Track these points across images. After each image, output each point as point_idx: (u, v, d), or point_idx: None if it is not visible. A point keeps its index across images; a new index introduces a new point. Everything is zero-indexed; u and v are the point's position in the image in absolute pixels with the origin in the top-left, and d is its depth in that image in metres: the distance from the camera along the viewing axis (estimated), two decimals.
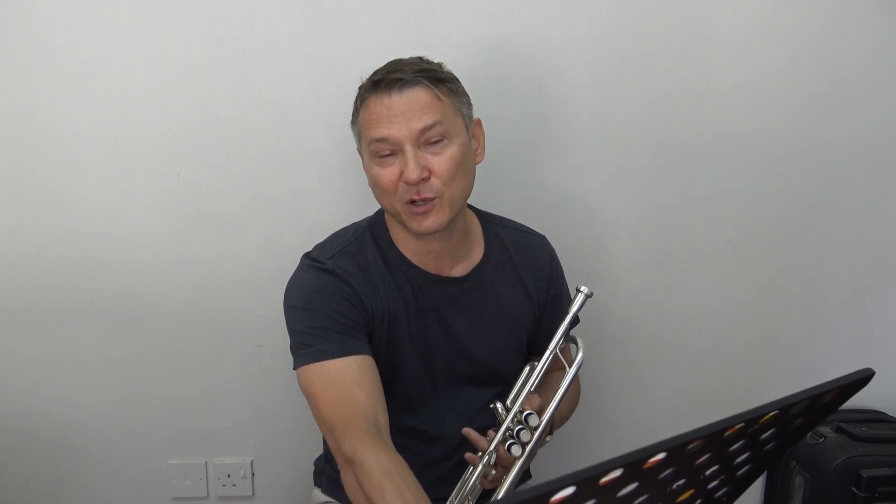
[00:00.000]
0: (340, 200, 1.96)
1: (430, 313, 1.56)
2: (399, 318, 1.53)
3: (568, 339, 1.47)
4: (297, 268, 1.55)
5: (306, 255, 1.56)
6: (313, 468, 1.81)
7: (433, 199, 1.41)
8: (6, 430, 2.07)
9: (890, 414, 2.18)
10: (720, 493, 1.06)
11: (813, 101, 2.04)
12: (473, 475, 1.41)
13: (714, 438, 0.77)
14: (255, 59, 1.91)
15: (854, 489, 1.94)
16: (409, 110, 1.38)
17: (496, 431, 1.42)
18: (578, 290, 1.43)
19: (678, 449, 0.70)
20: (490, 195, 1.83)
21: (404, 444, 1.57)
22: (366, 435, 1.31)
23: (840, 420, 2.08)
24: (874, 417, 2.14)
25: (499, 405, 1.44)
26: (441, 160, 1.41)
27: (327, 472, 1.73)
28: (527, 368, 1.50)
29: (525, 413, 1.40)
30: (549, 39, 1.94)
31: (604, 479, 0.66)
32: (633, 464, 0.66)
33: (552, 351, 1.44)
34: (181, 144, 1.94)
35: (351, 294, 1.48)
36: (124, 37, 1.87)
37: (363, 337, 1.47)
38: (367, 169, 1.48)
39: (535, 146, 2.01)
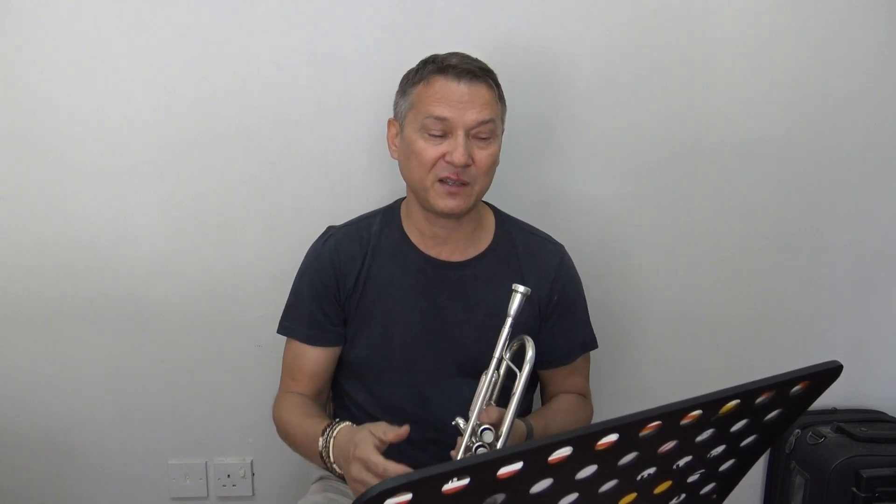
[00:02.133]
0: (340, 199, 1.97)
1: (423, 294, 1.62)
2: (382, 290, 1.62)
3: (518, 340, 1.43)
4: None
5: None
6: None
7: (467, 184, 1.51)
8: (6, 431, 2.08)
9: (890, 414, 2.16)
10: (706, 489, 1.06)
11: (814, 101, 2.03)
12: None
13: (671, 422, 0.77)
14: (255, 60, 1.92)
15: (854, 489, 1.93)
16: (472, 101, 1.48)
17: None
18: (515, 291, 1.38)
19: (629, 429, 0.70)
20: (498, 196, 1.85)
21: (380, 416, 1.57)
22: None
23: (840, 420, 2.07)
24: (874, 417, 2.13)
25: (460, 420, 1.39)
26: (484, 154, 1.51)
27: None
28: (482, 378, 1.42)
29: (481, 428, 1.35)
30: (555, 40, 1.95)
31: (553, 458, 0.66)
32: (580, 440, 0.66)
33: (498, 357, 1.39)
34: (181, 144, 1.95)
35: (328, 282, 1.63)
36: (124, 37, 1.89)
37: (330, 323, 1.64)
38: (405, 139, 1.55)
39: (540, 147, 2.01)
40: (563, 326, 1.68)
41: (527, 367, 1.36)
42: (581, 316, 1.74)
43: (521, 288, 1.38)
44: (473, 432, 1.35)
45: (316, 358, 1.65)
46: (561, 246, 1.73)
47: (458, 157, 1.47)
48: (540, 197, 2.03)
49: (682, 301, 2.14)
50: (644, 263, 2.11)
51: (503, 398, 1.41)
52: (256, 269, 2.00)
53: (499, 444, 1.34)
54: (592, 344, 1.76)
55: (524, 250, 1.68)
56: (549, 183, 2.03)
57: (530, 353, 1.36)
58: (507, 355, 1.41)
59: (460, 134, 1.48)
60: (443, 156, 1.49)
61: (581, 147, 2.02)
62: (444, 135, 1.49)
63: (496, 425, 1.35)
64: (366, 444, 1.32)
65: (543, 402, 1.78)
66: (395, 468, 1.28)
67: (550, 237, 1.74)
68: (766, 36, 1.99)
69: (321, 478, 1.77)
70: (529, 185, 2.02)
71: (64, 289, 2.01)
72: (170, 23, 1.89)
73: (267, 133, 1.96)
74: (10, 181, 1.94)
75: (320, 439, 1.45)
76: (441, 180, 1.50)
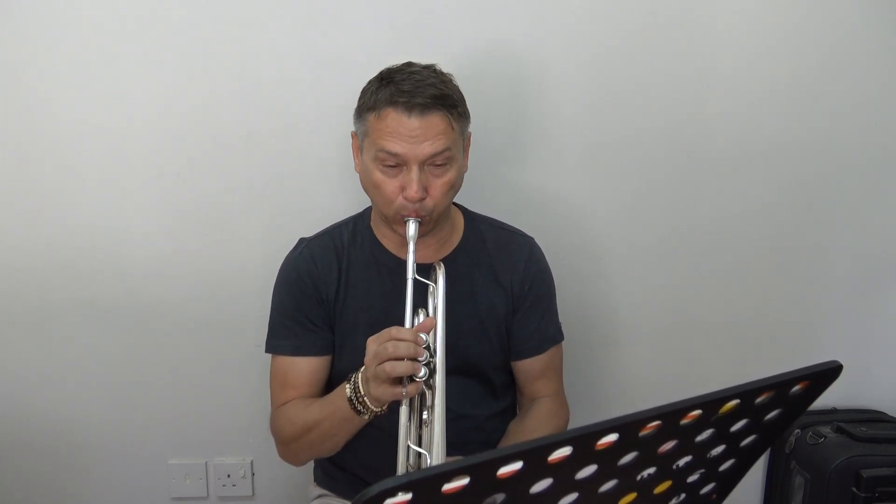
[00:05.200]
0: (340, 200, 1.96)
1: (401, 297, 1.58)
2: (363, 298, 1.63)
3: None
4: None
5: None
6: (312, 463, 1.84)
7: (424, 216, 1.50)
8: (6, 431, 2.09)
9: (890, 414, 2.16)
10: (706, 489, 1.06)
11: (812, 99, 2.03)
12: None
13: (671, 422, 0.76)
14: (255, 59, 1.92)
15: (854, 489, 1.93)
16: (423, 134, 1.45)
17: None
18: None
19: (629, 429, 0.70)
20: (482, 196, 1.86)
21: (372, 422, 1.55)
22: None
23: (840, 420, 2.07)
24: (874, 417, 2.13)
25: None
26: (440, 183, 1.50)
27: (322, 465, 1.79)
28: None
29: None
30: (545, 40, 1.95)
31: (553, 458, 0.66)
32: (580, 440, 0.66)
33: (411, 278, 1.43)
34: (181, 144, 1.96)
35: (309, 291, 1.63)
36: (124, 36, 1.89)
37: (317, 330, 1.64)
38: (364, 163, 1.54)
39: (528, 147, 2.02)
40: (534, 316, 1.70)
41: (440, 288, 1.46)
42: (551, 307, 1.76)
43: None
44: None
45: (309, 368, 1.64)
46: (531, 238, 1.75)
47: (412, 193, 1.46)
48: (535, 201, 2.04)
49: (682, 302, 2.14)
50: (644, 264, 2.11)
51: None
52: (256, 269, 2.00)
53: (437, 353, 1.37)
54: (560, 336, 1.76)
55: (494, 244, 1.70)
56: (543, 185, 2.04)
57: (441, 280, 1.47)
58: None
59: (414, 168, 1.46)
60: (400, 190, 1.48)
61: (579, 150, 2.03)
62: (399, 166, 1.48)
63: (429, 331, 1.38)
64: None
65: (520, 408, 1.80)
66: (402, 328, 1.37)
67: (520, 230, 1.76)
68: (765, 39, 1.99)
69: (319, 496, 1.78)
70: (524, 189, 2.04)
71: (64, 289, 2.01)
72: (169, 24, 1.89)
73: (267, 133, 1.96)
74: (10, 182, 1.95)
75: (347, 385, 1.45)
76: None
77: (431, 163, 1.48)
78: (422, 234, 1.53)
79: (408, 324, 1.40)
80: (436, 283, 1.46)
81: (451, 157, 1.51)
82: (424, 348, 1.33)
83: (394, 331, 1.35)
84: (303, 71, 1.93)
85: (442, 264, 1.47)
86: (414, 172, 1.46)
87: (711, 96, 2.01)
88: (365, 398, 1.42)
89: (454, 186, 1.54)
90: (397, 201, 1.49)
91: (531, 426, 1.69)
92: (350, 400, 1.43)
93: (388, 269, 1.64)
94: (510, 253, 1.70)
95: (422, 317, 1.44)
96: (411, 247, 1.45)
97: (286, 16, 1.90)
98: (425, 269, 1.62)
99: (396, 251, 1.65)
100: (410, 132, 1.45)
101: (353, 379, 1.44)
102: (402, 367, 1.32)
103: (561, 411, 1.76)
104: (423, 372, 1.33)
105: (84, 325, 2.04)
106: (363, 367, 1.42)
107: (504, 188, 2.01)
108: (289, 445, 1.63)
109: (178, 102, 1.93)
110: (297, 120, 1.95)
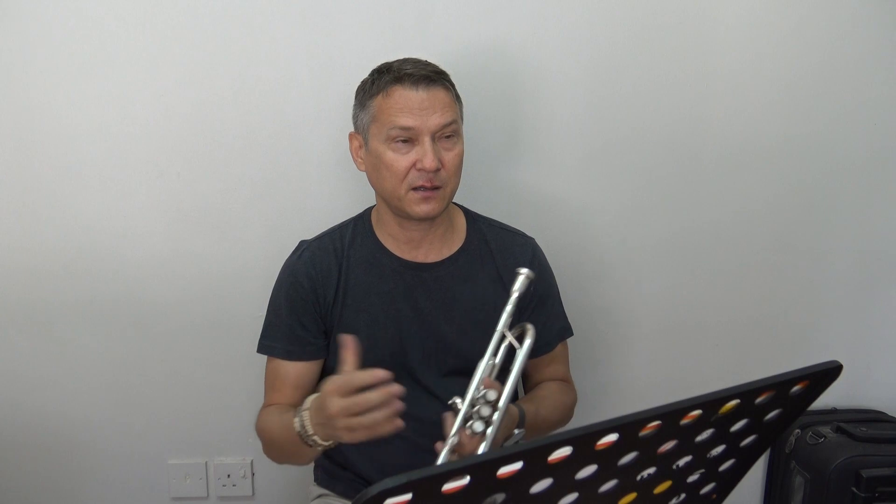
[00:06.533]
0: (340, 200, 1.96)
1: (403, 297, 1.63)
2: (363, 299, 1.63)
3: (520, 326, 1.43)
4: None
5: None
6: (313, 463, 1.83)
7: (440, 187, 1.53)
8: (6, 430, 2.09)
9: (890, 414, 2.16)
10: (706, 489, 1.06)
11: (812, 99, 2.03)
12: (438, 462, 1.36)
13: (671, 422, 0.76)
14: (255, 59, 1.93)
15: (854, 489, 1.93)
16: (432, 106, 1.51)
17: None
18: (518, 273, 1.40)
19: (629, 429, 0.70)
20: (482, 197, 1.87)
21: None
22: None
23: (840, 420, 2.07)
24: (874, 417, 2.12)
25: (457, 399, 1.38)
26: (451, 155, 1.54)
27: (323, 465, 1.79)
28: (485, 357, 1.42)
29: (482, 391, 1.34)
30: (545, 41, 1.95)
31: (553, 458, 0.66)
32: (580, 440, 0.66)
33: (499, 334, 1.39)
34: (181, 144, 1.96)
35: (307, 296, 1.63)
36: (124, 36, 1.89)
37: (310, 336, 1.64)
38: (372, 151, 1.56)
39: (528, 148, 2.02)
40: (540, 316, 1.69)
41: (525, 347, 1.37)
42: (556, 305, 1.76)
43: (524, 270, 1.39)
44: (473, 404, 1.34)
45: (297, 372, 1.65)
46: (532, 238, 1.76)
47: (429, 162, 1.49)
48: (535, 202, 2.04)
49: (682, 302, 2.14)
50: (644, 265, 2.11)
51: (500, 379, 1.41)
52: (256, 269, 2.00)
53: (495, 417, 1.32)
54: (568, 332, 1.78)
55: (497, 245, 1.71)
56: (546, 188, 2.04)
57: (529, 340, 1.37)
58: (511, 333, 1.40)
59: (426, 140, 1.50)
60: (413, 164, 1.51)
61: (579, 151, 2.03)
62: (410, 141, 1.51)
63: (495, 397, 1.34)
64: (331, 380, 1.32)
65: (526, 392, 1.79)
66: (363, 375, 1.29)
67: (521, 231, 1.77)
68: (766, 39, 1.99)
69: (320, 496, 1.78)
70: (524, 189, 2.04)
71: (64, 290, 2.01)
72: (170, 24, 1.89)
73: (267, 134, 1.96)
74: (10, 182, 1.95)
75: (295, 419, 1.42)
76: (414, 188, 1.53)
77: (441, 135, 1.52)
78: (434, 217, 1.57)
79: (477, 378, 1.36)
80: (522, 342, 1.38)
81: (458, 132, 1.56)
82: (487, 403, 1.32)
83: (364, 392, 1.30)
84: (303, 71, 1.93)
85: (532, 327, 1.39)
86: (427, 143, 1.50)
87: (712, 97, 2.01)
88: (315, 437, 1.40)
89: (462, 161, 1.57)
90: (410, 175, 1.52)
91: (541, 393, 1.71)
92: (299, 434, 1.42)
93: (390, 269, 1.64)
94: (514, 254, 1.70)
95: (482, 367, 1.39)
96: (514, 295, 1.39)
97: (286, 16, 1.90)
98: (427, 268, 1.64)
99: (398, 251, 1.65)
100: (420, 104, 1.50)
101: (298, 410, 1.42)
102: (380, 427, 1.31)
103: (569, 391, 1.77)
104: (479, 426, 1.31)
105: (84, 325, 2.03)
106: (308, 402, 1.41)
107: (503, 188, 2.01)
108: (265, 450, 1.66)
109: (178, 102, 1.93)
110: (297, 120, 1.95)
